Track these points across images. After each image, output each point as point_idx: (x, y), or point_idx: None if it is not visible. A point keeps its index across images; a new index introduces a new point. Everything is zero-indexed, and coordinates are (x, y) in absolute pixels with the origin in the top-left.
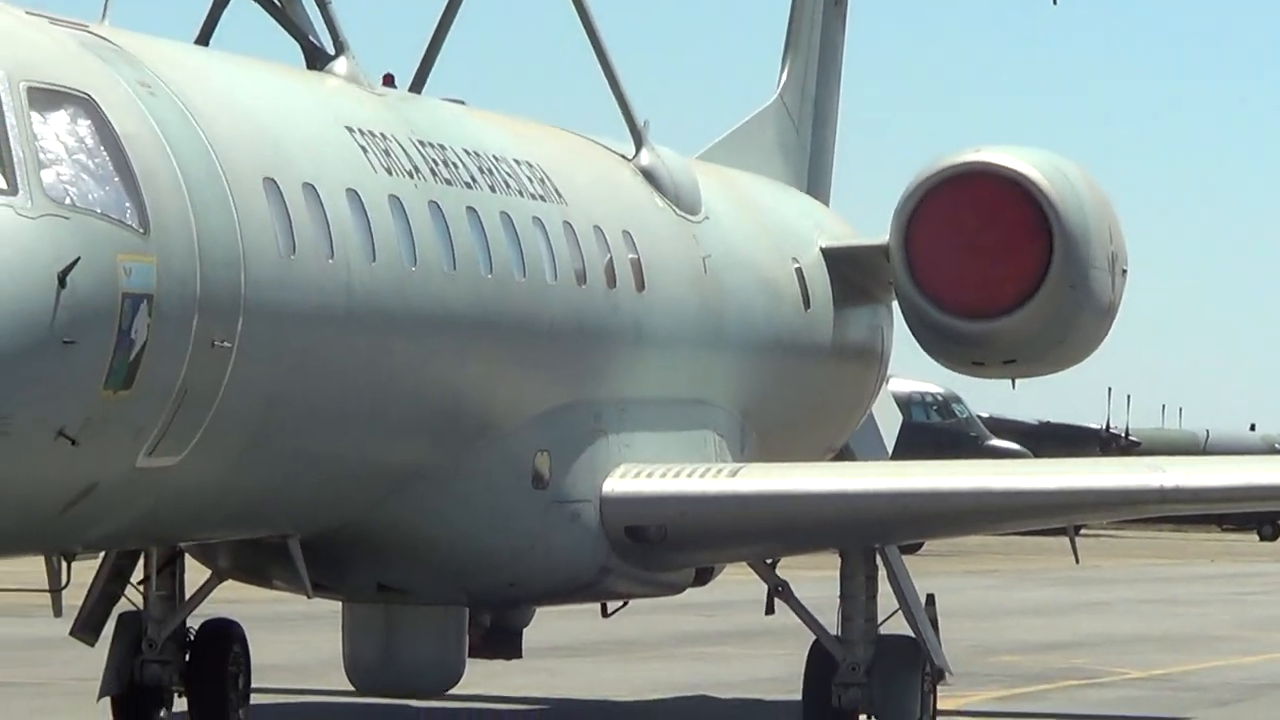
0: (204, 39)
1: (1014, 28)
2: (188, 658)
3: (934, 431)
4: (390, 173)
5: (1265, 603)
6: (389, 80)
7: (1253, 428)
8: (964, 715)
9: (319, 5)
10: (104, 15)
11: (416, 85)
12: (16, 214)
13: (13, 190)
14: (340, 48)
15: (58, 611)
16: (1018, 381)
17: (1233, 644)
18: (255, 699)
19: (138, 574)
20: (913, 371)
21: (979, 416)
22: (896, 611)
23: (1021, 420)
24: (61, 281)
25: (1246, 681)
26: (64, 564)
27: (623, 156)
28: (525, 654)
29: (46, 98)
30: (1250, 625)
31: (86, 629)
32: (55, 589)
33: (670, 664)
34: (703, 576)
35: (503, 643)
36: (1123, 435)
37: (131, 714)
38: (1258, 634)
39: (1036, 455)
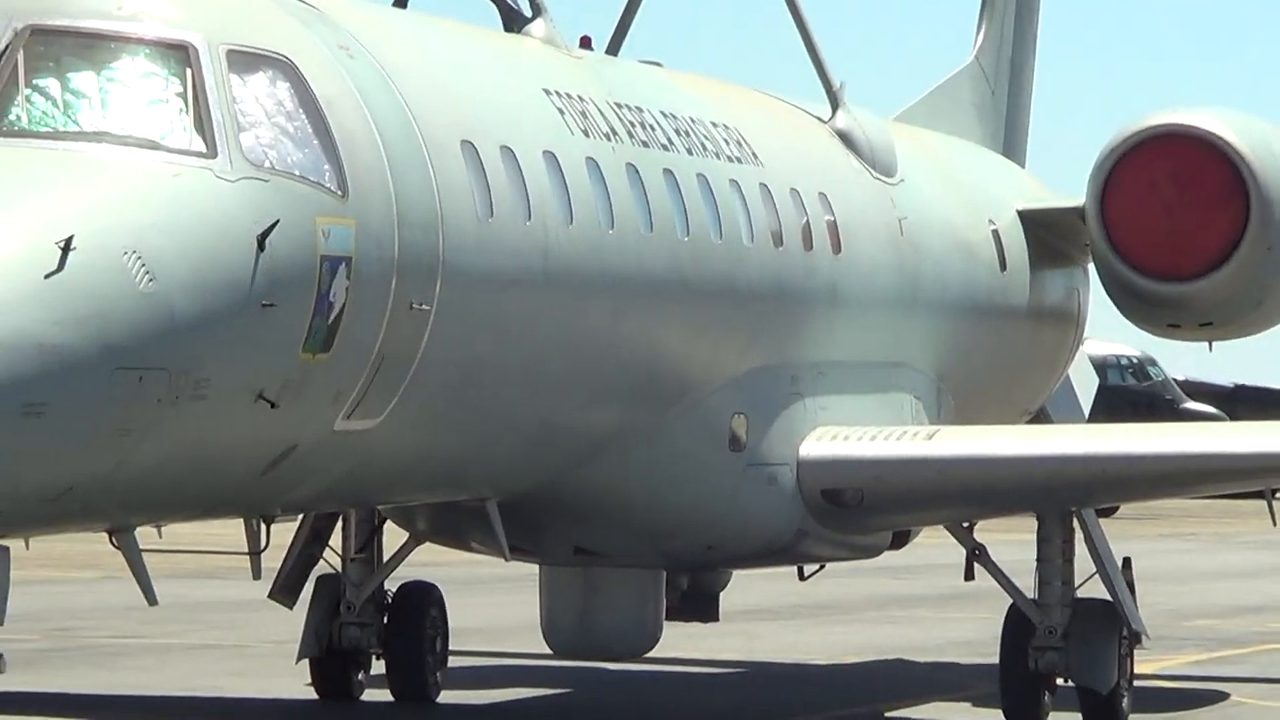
0: (401, 2)
1: None
2: (385, 620)
3: (1130, 394)
4: (587, 135)
5: None
6: (586, 42)
7: None
8: (1161, 679)
9: None
10: None
11: (613, 47)
12: (216, 177)
13: (212, 153)
14: (537, 9)
15: (257, 574)
16: (1214, 344)
17: None
18: (452, 661)
19: (336, 537)
20: (1108, 334)
21: (1174, 379)
22: (1093, 575)
23: (1217, 383)
24: (260, 245)
25: None
26: (263, 526)
27: (819, 119)
28: (722, 617)
29: (246, 60)
30: None
31: (285, 591)
32: (254, 551)
33: (867, 627)
34: (899, 540)
35: (700, 606)
36: None
37: (330, 676)
38: None
39: (1232, 419)
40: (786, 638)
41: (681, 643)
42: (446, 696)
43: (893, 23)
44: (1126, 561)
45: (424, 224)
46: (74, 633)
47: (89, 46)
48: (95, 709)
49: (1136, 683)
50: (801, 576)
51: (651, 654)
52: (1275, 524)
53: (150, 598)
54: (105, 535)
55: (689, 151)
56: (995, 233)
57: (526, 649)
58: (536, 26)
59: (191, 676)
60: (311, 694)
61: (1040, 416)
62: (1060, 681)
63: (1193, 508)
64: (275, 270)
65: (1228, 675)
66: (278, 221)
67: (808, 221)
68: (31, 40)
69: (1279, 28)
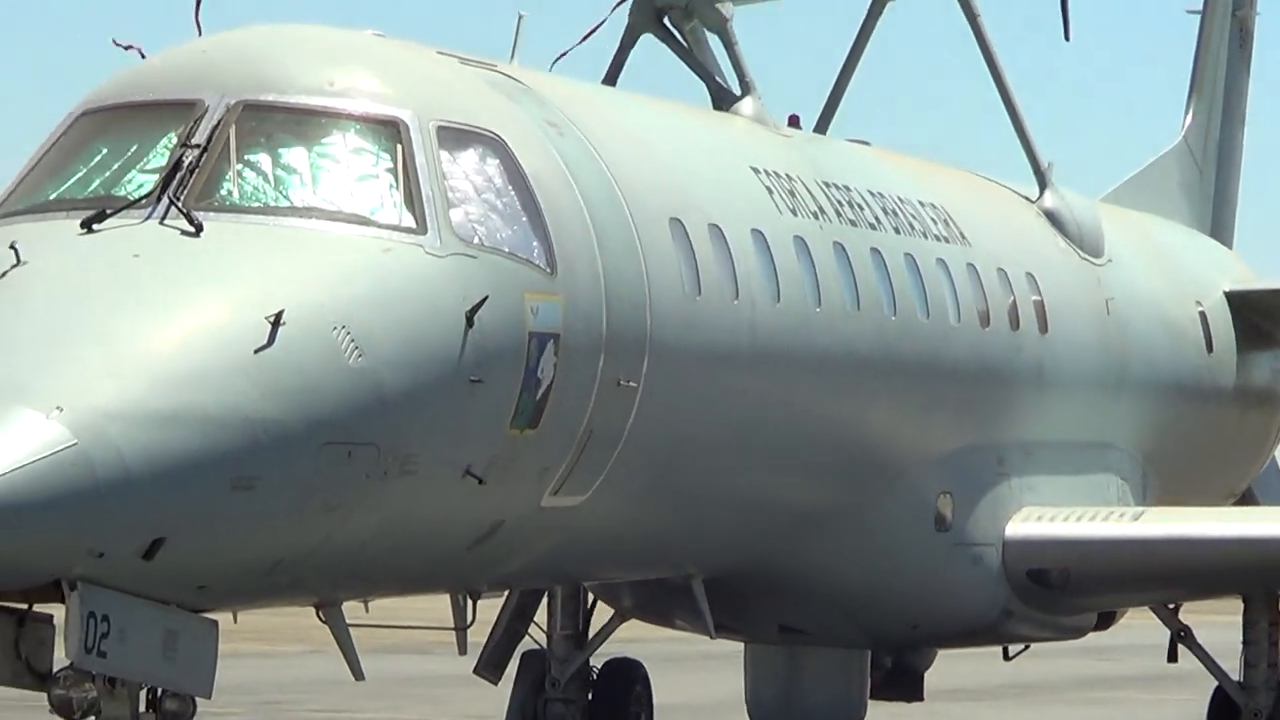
0: (611, 79)
1: None
2: (590, 696)
3: None
4: (795, 213)
5: None
6: (794, 121)
7: None
8: None
9: (725, 46)
10: (513, 55)
11: (821, 126)
12: (425, 253)
13: (422, 229)
14: (746, 88)
15: (462, 649)
16: None
17: None
18: None
19: (541, 613)
20: None
21: None
22: None
23: None
24: (469, 321)
25: None
26: (469, 602)
27: (1026, 198)
28: (926, 696)
29: (455, 137)
30: None
31: (490, 667)
32: (460, 627)
33: (1071, 709)
34: (1104, 620)
35: (904, 685)
36: None
37: None
38: None
39: None
40: (991, 718)
41: (888, 715)
42: None
43: (1101, 104)
44: None
45: (632, 301)
46: (281, 706)
47: (300, 122)
48: None
49: None
50: (1006, 656)
51: None
52: None
53: (357, 672)
54: (313, 609)
55: (896, 230)
56: (1202, 314)
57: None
58: (745, 105)
59: None
60: None
61: (1246, 499)
62: None
63: None
64: (484, 346)
65: None
66: (487, 298)
67: (1014, 301)
68: (244, 115)
69: None
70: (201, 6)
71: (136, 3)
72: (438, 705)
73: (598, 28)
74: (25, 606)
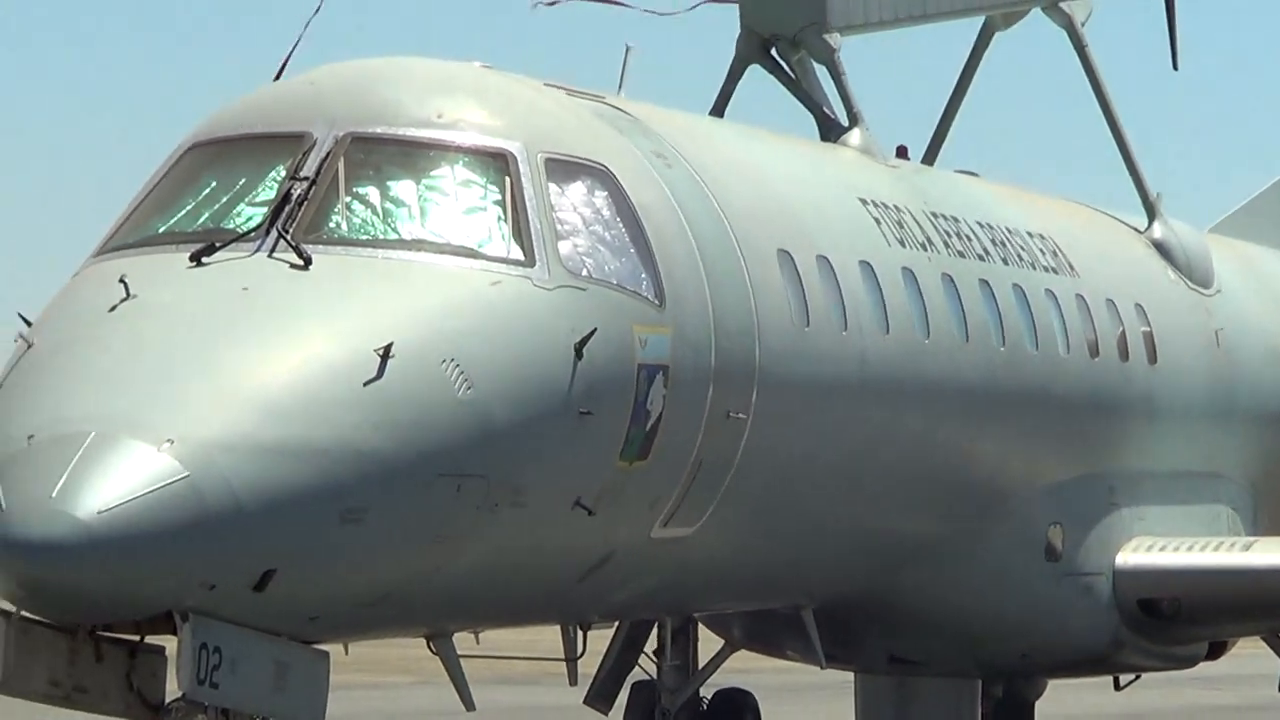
0: (718, 110)
1: None
2: None
3: None
4: (904, 245)
5: None
6: (902, 152)
7: None
8: None
9: (833, 77)
10: (620, 87)
11: (929, 157)
12: (534, 285)
13: (530, 262)
14: (854, 119)
15: (573, 680)
16: None
17: None
18: None
19: (651, 643)
20: None
21: None
22: None
23: None
24: (578, 353)
25: None
26: (579, 632)
27: (1135, 229)
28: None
29: (564, 169)
30: None
31: (600, 698)
32: (571, 658)
33: None
34: (1215, 650)
35: (1014, 714)
36: None
37: None
38: None
39: None
40: None
41: None
42: None
43: (1210, 134)
44: None
45: (740, 332)
46: None
47: (408, 154)
48: None
49: None
50: (1117, 686)
51: None
52: None
53: (468, 703)
54: (422, 640)
55: (1005, 261)
56: None
57: None
58: (853, 136)
59: None
60: None
61: None
62: None
63: None
64: (593, 378)
65: None
66: (595, 330)
67: (1124, 332)
68: (352, 148)
69: None
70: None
71: (240, 37)
72: None
73: None
74: (137, 638)
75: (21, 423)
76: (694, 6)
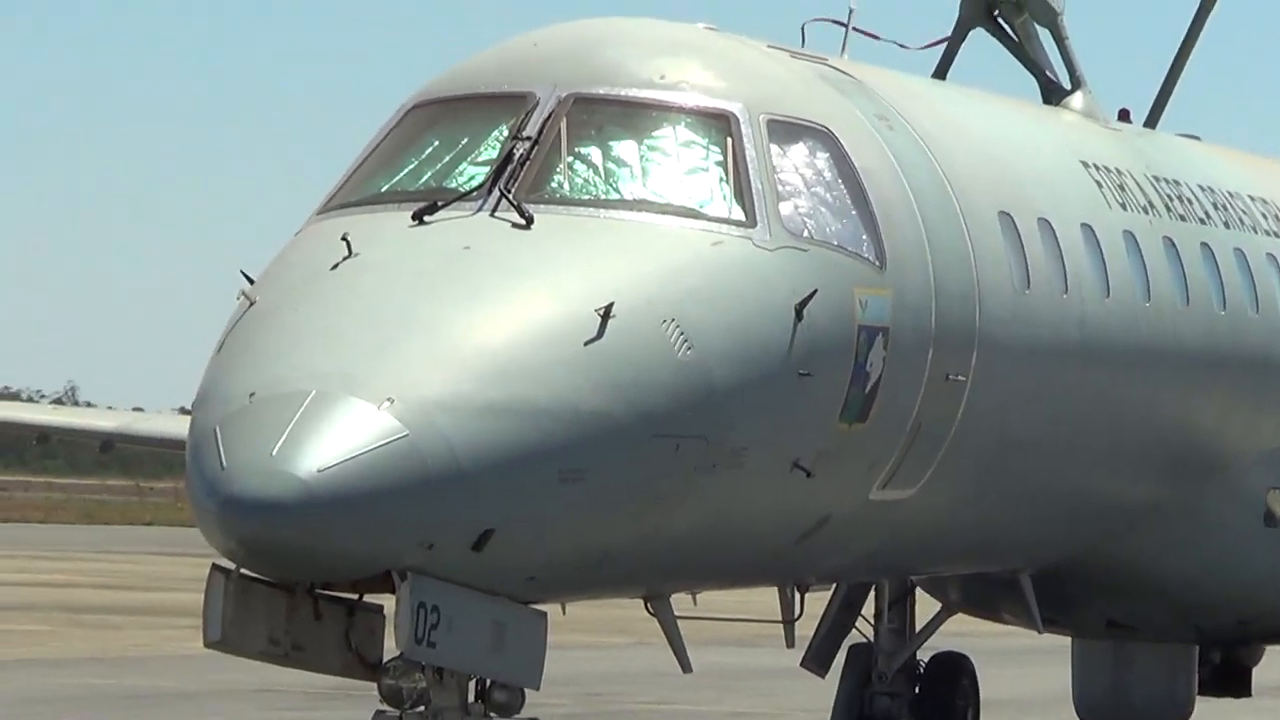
0: (941, 73)
1: None
2: (917, 690)
3: None
4: (1125, 208)
5: None
6: (1125, 115)
7: None
8: None
9: (1056, 41)
10: (843, 49)
11: (1151, 120)
12: (755, 246)
13: (751, 223)
14: (1077, 82)
15: (790, 642)
16: None
17: None
18: None
19: (869, 606)
20: None
21: None
22: None
23: None
24: (799, 314)
25: None
26: (797, 595)
27: None
28: (1255, 692)
29: (785, 130)
30: None
31: (817, 660)
32: (788, 620)
33: None
34: None
35: (1232, 680)
36: None
37: None
38: None
39: None
40: None
41: (1213, 717)
42: None
43: None
44: None
45: (961, 295)
46: (605, 698)
47: (630, 115)
48: None
49: None
50: None
51: None
52: None
53: (685, 665)
54: (639, 601)
55: (1226, 225)
56: None
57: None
58: (1075, 99)
59: None
60: None
61: None
62: None
63: None
64: (813, 340)
65: None
66: (815, 291)
67: None
68: (575, 108)
69: None
70: None
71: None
72: (764, 698)
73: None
74: (355, 597)
75: (243, 380)
76: None
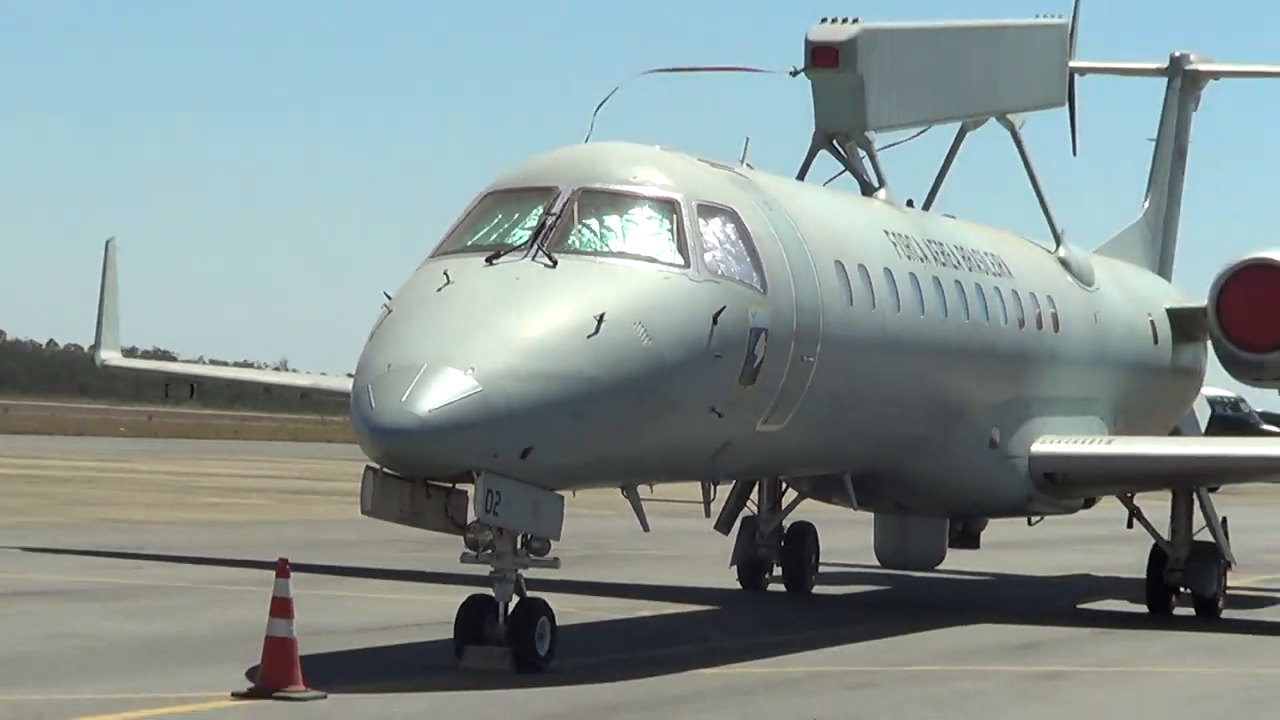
0: (801, 175)
1: None
2: (782, 543)
3: (1228, 420)
4: (909, 259)
5: None
6: (910, 203)
7: None
8: (1242, 590)
9: (870, 157)
10: (743, 159)
11: (927, 205)
12: (689, 280)
13: (687, 265)
14: (881, 182)
15: (707, 514)
16: None
17: None
18: (823, 569)
19: (755, 495)
20: (1218, 384)
21: (1256, 411)
22: (1204, 527)
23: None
24: (715, 320)
25: None
26: (712, 487)
27: (1048, 250)
28: (982, 546)
29: (707, 210)
30: None
31: (723, 525)
32: (706, 501)
33: (1067, 555)
34: (1089, 503)
35: (968, 539)
36: None
37: (748, 576)
38: None
39: None
40: (1019, 560)
41: (956, 561)
42: (818, 589)
43: (1100, 194)
44: (1224, 519)
45: (811, 310)
46: (601, 547)
47: (614, 200)
48: (613, 591)
49: (1229, 591)
50: (1029, 524)
51: (939, 567)
52: None
53: (645, 526)
54: (618, 489)
55: (970, 269)
56: (1152, 322)
57: (865, 563)
58: (880, 193)
59: (668, 575)
60: (737, 586)
61: (1175, 433)
62: (1182, 590)
63: (1266, 489)
64: (723, 336)
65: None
66: (725, 307)
67: (1039, 313)
68: (582, 196)
69: None
70: (599, 110)
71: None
72: (693, 548)
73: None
74: (450, 485)
75: (384, 357)
76: (797, 71)
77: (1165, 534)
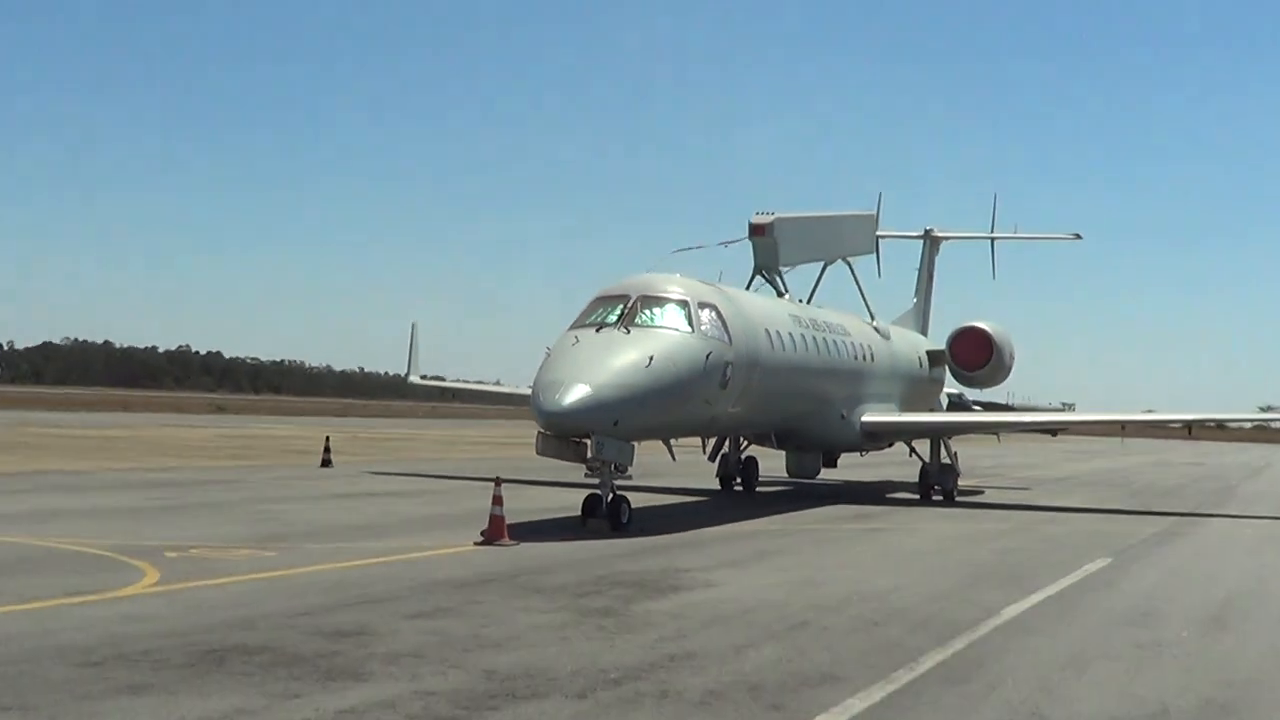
0: (748, 287)
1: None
2: (742, 466)
3: (956, 404)
4: (800, 326)
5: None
6: (802, 302)
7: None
8: (965, 491)
9: (781, 279)
10: (719, 278)
11: (808, 300)
12: (694, 338)
13: (693, 331)
14: (786, 289)
15: (704, 453)
16: (981, 390)
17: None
18: (761, 479)
19: (728, 443)
20: (951, 385)
21: (971, 400)
22: (947, 456)
23: (981, 401)
24: (707, 358)
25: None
26: (708, 440)
27: (869, 322)
28: (839, 466)
29: (701, 305)
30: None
31: (712, 458)
32: (703, 446)
33: (877, 470)
34: (889, 445)
35: (831, 463)
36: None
37: (723, 484)
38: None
39: None
40: (856, 475)
41: (826, 476)
42: (759, 490)
43: (896, 294)
44: (955, 453)
45: (752, 352)
46: (652, 469)
47: (658, 300)
48: (659, 490)
49: (959, 488)
50: (861, 456)
51: (819, 478)
52: (999, 441)
53: (673, 459)
54: (660, 441)
55: (830, 332)
56: (919, 357)
57: (781, 476)
58: (786, 295)
59: (684, 482)
60: (719, 488)
61: (931, 410)
62: (935, 487)
63: (974, 438)
64: (711, 365)
65: (988, 487)
66: (711, 351)
67: (863, 353)
68: (642, 299)
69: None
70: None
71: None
72: (698, 469)
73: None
74: (580, 438)
75: (547, 378)
76: (734, 242)
77: (928, 459)
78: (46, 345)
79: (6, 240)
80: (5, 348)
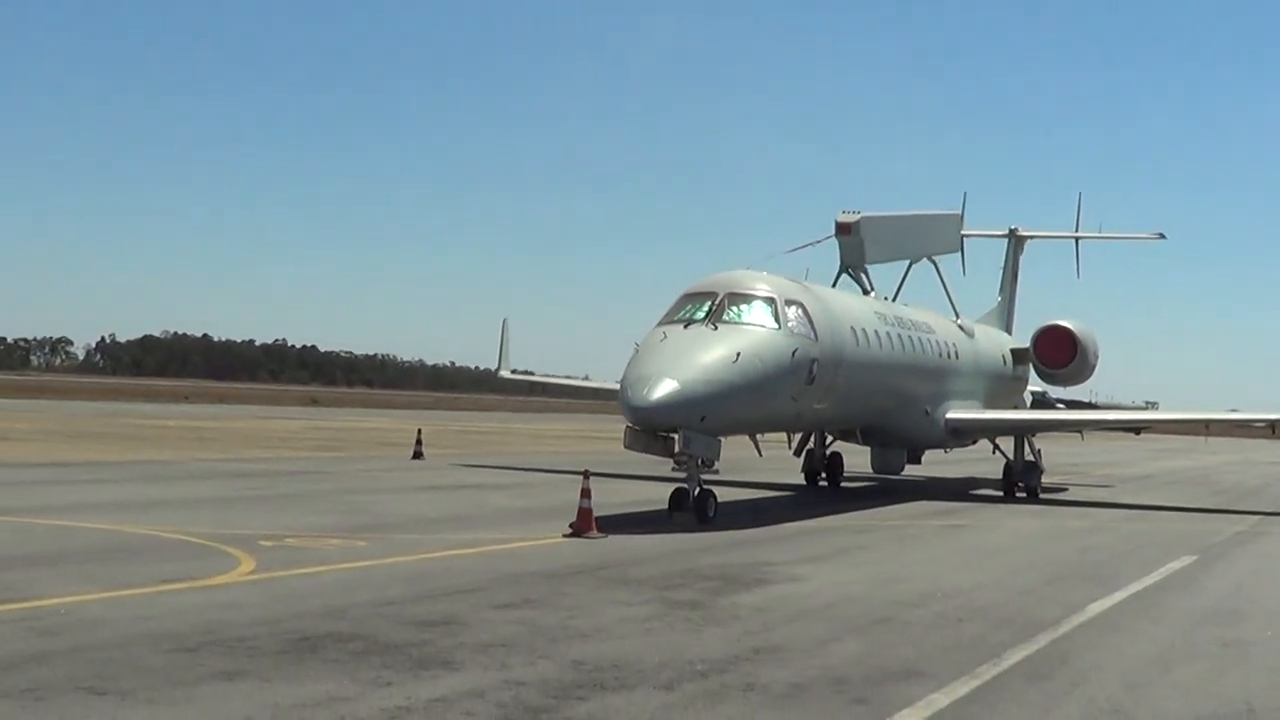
0: (833, 285)
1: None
2: (826, 461)
3: (1040, 402)
4: (885, 324)
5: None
6: (887, 300)
7: None
8: (1049, 489)
9: (866, 276)
10: (806, 276)
11: (894, 299)
12: (780, 335)
13: (780, 328)
14: (871, 288)
15: (789, 448)
16: (1066, 388)
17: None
18: (846, 475)
19: (813, 438)
20: (1035, 384)
21: (1055, 398)
22: (1031, 453)
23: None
24: (793, 354)
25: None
26: (794, 435)
27: (954, 321)
28: (923, 463)
29: (788, 302)
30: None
31: (797, 453)
32: (789, 442)
33: (964, 467)
34: (973, 443)
35: (916, 460)
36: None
37: (809, 478)
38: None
39: None
40: (942, 471)
41: (910, 472)
42: (844, 485)
43: (980, 292)
44: (1039, 450)
45: (838, 349)
46: (738, 465)
47: (745, 297)
48: (744, 485)
49: (1043, 485)
50: (945, 453)
51: (903, 474)
52: (1082, 438)
53: (759, 454)
54: (745, 436)
55: (915, 330)
56: (1003, 355)
57: (866, 472)
58: (873, 294)
59: (770, 477)
60: (804, 483)
61: (1016, 408)
62: (1019, 484)
63: (1059, 436)
64: (798, 361)
65: (1071, 484)
66: (798, 348)
67: (948, 350)
68: (729, 297)
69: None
70: (810, 246)
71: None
72: (786, 464)
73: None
74: (668, 433)
75: (636, 372)
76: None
77: (1012, 456)
78: (147, 338)
79: (112, 235)
80: (107, 340)
